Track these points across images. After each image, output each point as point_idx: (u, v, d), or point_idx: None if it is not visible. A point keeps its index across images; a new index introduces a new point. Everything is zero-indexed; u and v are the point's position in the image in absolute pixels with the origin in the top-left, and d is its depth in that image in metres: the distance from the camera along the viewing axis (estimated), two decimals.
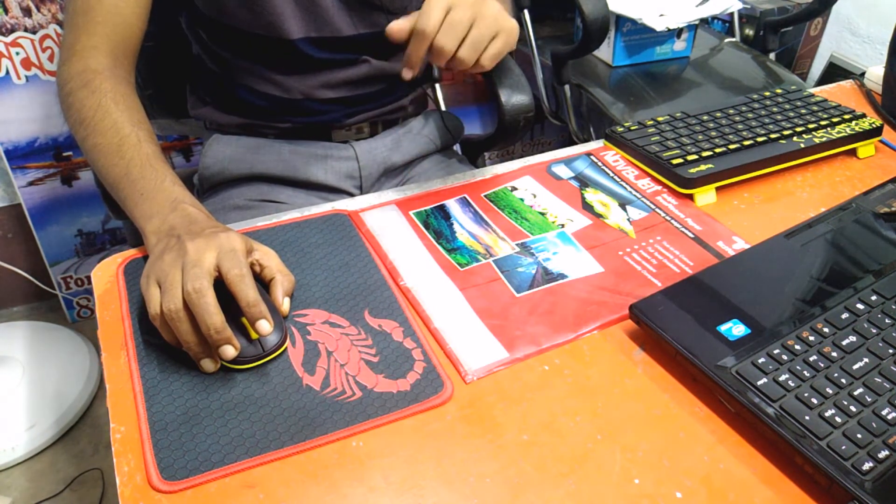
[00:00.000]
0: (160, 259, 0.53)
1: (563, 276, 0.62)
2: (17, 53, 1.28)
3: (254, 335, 0.53)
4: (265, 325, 0.52)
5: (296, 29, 0.78)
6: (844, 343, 0.53)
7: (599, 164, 0.79)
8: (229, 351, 0.51)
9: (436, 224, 0.68)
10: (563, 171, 0.77)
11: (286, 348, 0.54)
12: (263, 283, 0.57)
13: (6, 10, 1.24)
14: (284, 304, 0.57)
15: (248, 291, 0.52)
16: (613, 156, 0.81)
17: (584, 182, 0.76)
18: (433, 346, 0.55)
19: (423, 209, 0.70)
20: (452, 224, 0.69)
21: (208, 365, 0.52)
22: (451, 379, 0.52)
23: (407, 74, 0.63)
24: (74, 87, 0.67)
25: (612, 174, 0.77)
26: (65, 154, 1.40)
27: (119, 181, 0.62)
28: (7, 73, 1.28)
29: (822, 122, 0.82)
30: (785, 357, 0.51)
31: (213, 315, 0.50)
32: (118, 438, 0.48)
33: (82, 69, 0.68)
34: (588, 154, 0.81)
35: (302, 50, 0.80)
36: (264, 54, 0.81)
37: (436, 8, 0.59)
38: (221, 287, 0.52)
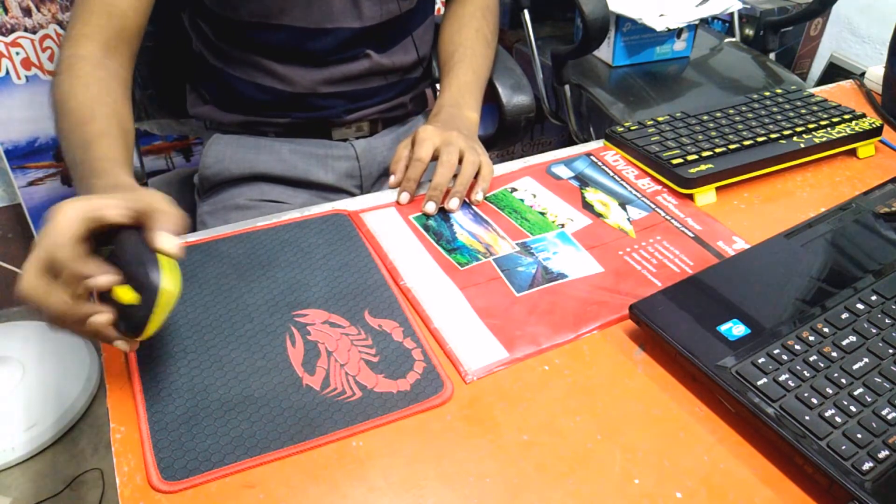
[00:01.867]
0: None
1: (563, 275, 0.62)
2: (17, 53, 1.28)
3: (125, 298, 0.46)
4: (105, 279, 0.45)
5: (303, 20, 0.79)
6: (844, 343, 0.53)
7: (599, 163, 0.79)
8: (101, 319, 0.45)
9: (436, 226, 0.68)
10: (562, 172, 0.77)
11: (179, 288, 0.48)
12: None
13: (6, 10, 1.24)
14: (166, 244, 0.47)
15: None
16: (613, 155, 0.81)
17: (584, 182, 0.76)
18: (433, 346, 0.55)
19: (423, 212, 0.70)
20: (452, 225, 0.69)
21: (121, 345, 0.47)
22: (450, 379, 0.52)
23: (405, 199, 0.71)
24: (58, 71, 0.68)
25: (612, 174, 0.77)
26: None
27: (70, 167, 0.61)
28: (7, 73, 1.28)
29: (822, 122, 0.82)
30: (785, 357, 0.51)
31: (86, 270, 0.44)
32: (118, 438, 0.48)
33: (69, 55, 0.68)
34: (588, 154, 0.81)
35: (307, 43, 0.80)
36: (268, 47, 0.81)
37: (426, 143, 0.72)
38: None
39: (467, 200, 0.71)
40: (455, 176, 0.71)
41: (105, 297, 0.47)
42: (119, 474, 0.45)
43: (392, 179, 0.73)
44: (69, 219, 0.44)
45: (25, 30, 1.26)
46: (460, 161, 0.71)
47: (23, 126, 1.34)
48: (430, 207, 0.69)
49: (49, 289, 0.44)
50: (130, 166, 0.61)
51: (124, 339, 0.47)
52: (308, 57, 0.82)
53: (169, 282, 0.46)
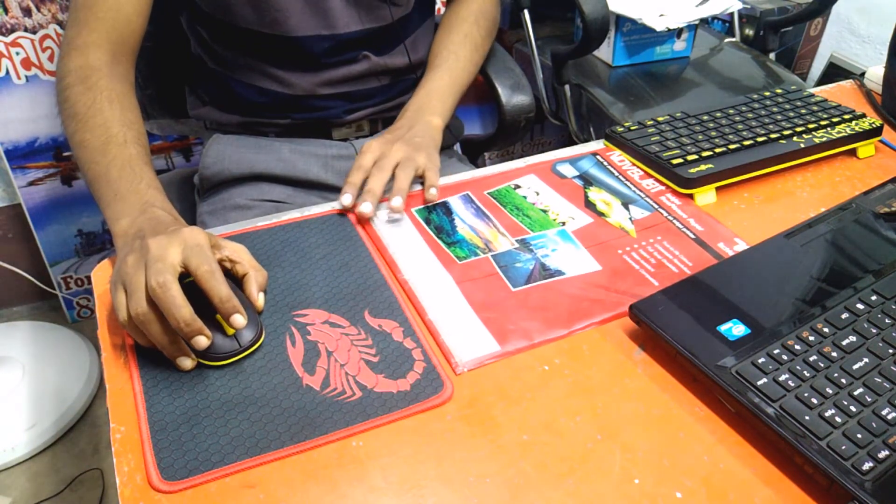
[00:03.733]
0: (124, 262, 0.53)
1: (560, 272, 0.62)
2: (17, 53, 1.28)
3: (229, 331, 0.53)
4: (240, 320, 0.52)
5: (300, 26, 0.78)
6: (844, 343, 0.52)
7: (605, 163, 0.79)
8: (202, 341, 0.50)
9: (437, 220, 0.69)
10: (567, 170, 0.77)
11: (262, 342, 0.55)
12: (235, 280, 0.57)
13: (6, 10, 1.24)
14: (259, 300, 0.57)
15: (219, 287, 0.51)
16: (619, 155, 0.81)
17: (587, 181, 0.76)
18: (433, 346, 0.55)
19: (425, 206, 0.70)
20: (454, 219, 0.69)
21: (185, 363, 0.52)
22: (450, 379, 0.52)
23: (347, 200, 0.70)
24: (71, 82, 0.67)
25: (616, 173, 0.77)
26: (65, 154, 1.40)
27: (98, 179, 0.63)
28: (7, 73, 1.28)
29: (822, 122, 0.82)
30: (785, 357, 0.51)
31: (180, 308, 0.49)
32: (118, 438, 0.48)
33: (81, 65, 0.68)
34: (594, 154, 0.81)
35: (305, 47, 0.80)
36: (266, 51, 0.81)
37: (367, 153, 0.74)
38: (192, 286, 0.52)
39: (432, 195, 0.71)
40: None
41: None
42: (119, 474, 0.45)
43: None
44: (174, 261, 0.51)
45: (25, 30, 1.26)
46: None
47: (23, 126, 1.34)
48: (366, 208, 0.68)
49: (155, 318, 0.51)
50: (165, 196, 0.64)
51: (192, 359, 0.52)
52: (306, 61, 0.82)
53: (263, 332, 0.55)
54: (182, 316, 0.49)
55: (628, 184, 0.75)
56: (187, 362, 0.52)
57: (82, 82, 0.67)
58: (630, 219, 0.70)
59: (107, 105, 0.66)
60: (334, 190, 0.88)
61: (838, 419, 0.47)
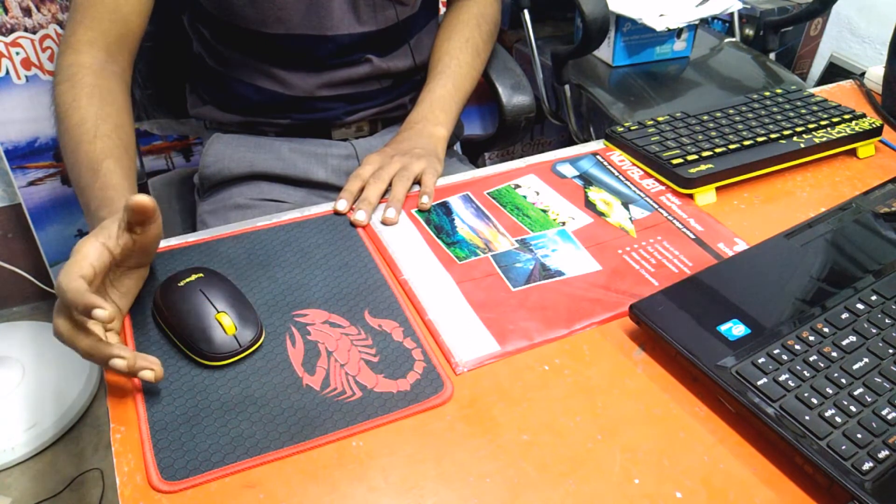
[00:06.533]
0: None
1: (560, 272, 0.62)
2: (17, 53, 1.28)
3: (229, 330, 0.53)
4: (101, 313, 0.46)
5: (303, 27, 0.78)
6: (844, 343, 0.52)
7: (605, 163, 0.79)
8: (100, 313, 0.46)
9: (437, 220, 0.69)
10: (567, 170, 0.77)
11: (262, 342, 0.54)
12: (235, 284, 0.57)
13: (6, 10, 1.24)
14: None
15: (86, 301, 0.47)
16: (619, 155, 0.81)
17: (588, 180, 0.76)
18: (432, 345, 0.55)
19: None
20: (454, 219, 0.69)
21: (147, 374, 0.49)
22: (450, 379, 0.52)
23: (342, 206, 0.69)
24: (59, 80, 0.67)
25: (617, 173, 0.77)
26: None
27: (75, 187, 0.62)
28: (7, 73, 1.28)
29: (822, 122, 0.82)
30: (785, 357, 0.51)
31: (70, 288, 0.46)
32: (118, 438, 0.48)
33: (71, 63, 0.68)
34: (594, 154, 0.81)
35: (307, 48, 0.80)
36: (268, 52, 0.81)
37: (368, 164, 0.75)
38: (191, 286, 0.52)
39: (423, 204, 0.71)
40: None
41: (199, 312, 0.53)
42: (119, 474, 0.45)
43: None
44: (77, 259, 0.49)
45: (25, 30, 1.26)
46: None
47: (23, 126, 1.34)
48: (360, 216, 0.68)
49: (75, 330, 0.48)
50: (134, 189, 0.62)
51: (152, 370, 0.49)
52: (308, 62, 0.82)
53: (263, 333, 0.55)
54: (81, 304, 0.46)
55: (628, 184, 0.75)
56: (149, 374, 0.49)
57: (68, 80, 0.67)
58: (630, 219, 0.70)
59: (85, 101, 0.65)
60: (334, 189, 0.88)
61: (838, 419, 0.47)
